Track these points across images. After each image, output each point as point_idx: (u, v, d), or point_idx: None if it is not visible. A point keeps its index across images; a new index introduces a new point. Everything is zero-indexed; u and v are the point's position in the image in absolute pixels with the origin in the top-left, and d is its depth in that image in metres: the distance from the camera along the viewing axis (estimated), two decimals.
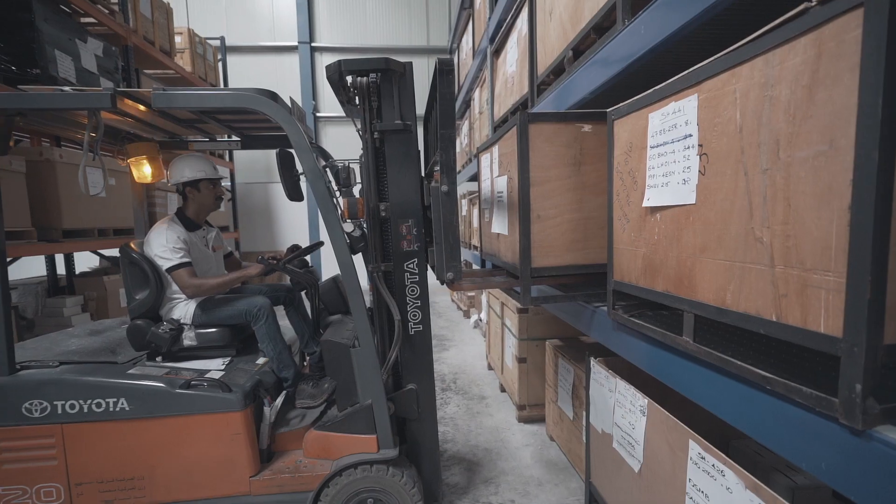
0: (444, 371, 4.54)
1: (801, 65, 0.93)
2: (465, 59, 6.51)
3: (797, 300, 0.97)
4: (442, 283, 2.10)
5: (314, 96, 9.66)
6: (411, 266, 2.16)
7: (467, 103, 6.30)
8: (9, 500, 1.97)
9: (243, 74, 9.31)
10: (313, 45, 9.59)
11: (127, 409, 1.98)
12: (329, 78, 2.06)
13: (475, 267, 4.09)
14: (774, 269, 1.02)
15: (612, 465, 1.99)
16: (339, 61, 2.01)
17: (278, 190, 9.76)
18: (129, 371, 2.10)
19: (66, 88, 2.05)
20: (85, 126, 2.81)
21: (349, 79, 2.08)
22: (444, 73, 1.94)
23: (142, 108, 2.20)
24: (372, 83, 2.05)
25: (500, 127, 3.72)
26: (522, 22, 3.10)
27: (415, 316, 2.19)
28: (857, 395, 0.83)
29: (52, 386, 1.96)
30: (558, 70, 2.49)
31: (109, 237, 4.80)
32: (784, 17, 0.96)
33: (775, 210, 1.01)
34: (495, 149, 2.49)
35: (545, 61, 2.67)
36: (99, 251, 5.74)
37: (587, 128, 1.99)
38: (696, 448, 1.38)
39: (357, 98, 2.11)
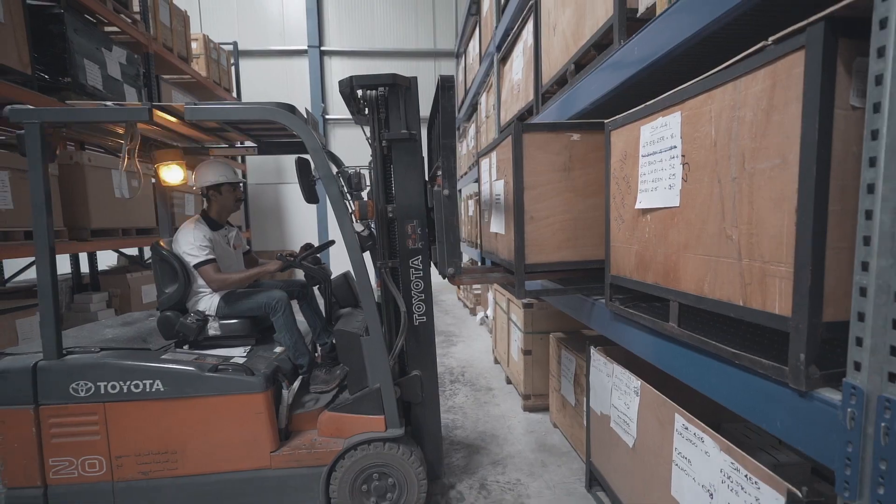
0: (453, 364, 4.74)
1: (760, 92, 1.13)
2: (471, 64, 6.70)
3: (759, 287, 1.16)
4: (444, 278, 2.31)
5: (323, 99, 9.88)
6: (416, 263, 2.36)
7: (474, 106, 6.49)
8: (58, 471, 2.17)
9: (254, 78, 9.55)
10: (322, 48, 9.82)
11: (162, 389, 2.17)
12: (341, 92, 2.24)
13: (479, 265, 4.29)
14: (741, 262, 1.21)
15: (609, 443, 2.19)
16: (351, 77, 2.20)
17: (288, 191, 10.01)
18: (163, 357, 2.30)
19: (109, 103, 2.27)
20: (113, 134, 3.02)
21: (359, 92, 2.26)
22: (445, 89, 2.14)
23: (173, 119, 2.41)
24: (380, 96, 2.23)
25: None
26: (528, 33, 3.29)
27: (419, 308, 2.38)
28: (802, 364, 1.03)
29: (96, 369, 2.16)
30: (561, 81, 2.68)
31: (132, 236, 5.03)
32: (748, 52, 1.15)
33: (742, 212, 1.20)
34: (494, 154, 2.68)
35: (549, 72, 2.86)
36: (121, 250, 6.00)
37: (576, 137, 2.18)
38: (680, 420, 1.57)
39: (367, 109, 2.30)
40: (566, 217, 2.22)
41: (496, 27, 4.54)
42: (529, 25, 3.23)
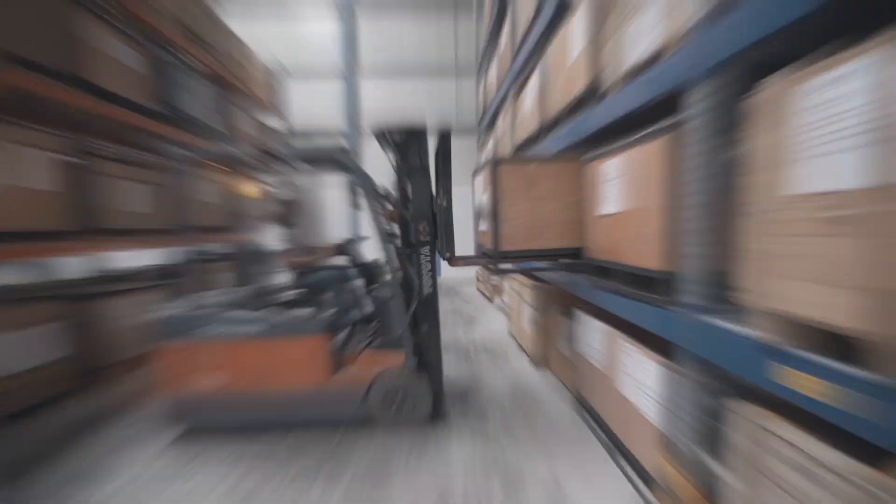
0: (476, 338, 5.77)
1: (660, 151, 2.12)
2: (490, 84, 7.72)
3: (653, 258, 2.15)
4: (443, 259, 3.42)
5: (357, 117, 11.03)
6: (425, 251, 3.35)
7: (493, 121, 7.49)
8: (196, 385, 3.24)
9: (296, 99, 10.76)
10: (356, 72, 10.94)
11: (261, 332, 3.18)
12: (374, 133, 3.27)
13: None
14: (647, 245, 2.21)
15: (589, 376, 3.18)
16: (382, 125, 3.21)
17: (327, 194, 11.17)
18: (257, 313, 3.34)
19: (236, 150, 3.35)
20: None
21: (387, 134, 3.28)
22: (443, 137, 3.20)
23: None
24: (402, 137, 3.24)
25: (520, 149, 4.94)
26: (535, 78, 4.29)
27: (427, 282, 3.36)
28: (669, 297, 2.02)
29: (216, 319, 3.21)
30: (558, 120, 3.68)
31: (216, 233, 6.17)
32: (649, 130, 2.15)
33: (646, 217, 2.20)
34: (482, 175, 3.70)
35: (550, 113, 3.86)
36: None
37: (534, 166, 3.15)
38: (624, 343, 2.57)
39: (392, 145, 3.34)
40: (529, 219, 3.17)
41: (511, 64, 5.54)
42: (537, 73, 4.22)
